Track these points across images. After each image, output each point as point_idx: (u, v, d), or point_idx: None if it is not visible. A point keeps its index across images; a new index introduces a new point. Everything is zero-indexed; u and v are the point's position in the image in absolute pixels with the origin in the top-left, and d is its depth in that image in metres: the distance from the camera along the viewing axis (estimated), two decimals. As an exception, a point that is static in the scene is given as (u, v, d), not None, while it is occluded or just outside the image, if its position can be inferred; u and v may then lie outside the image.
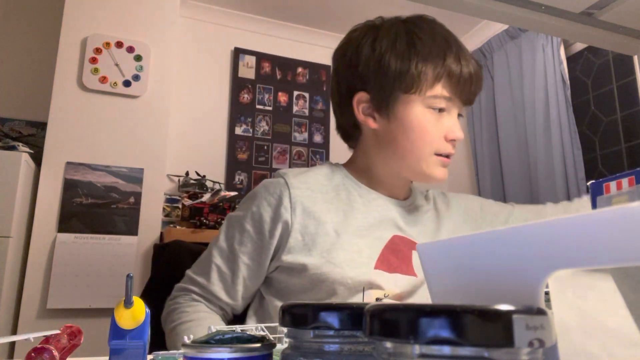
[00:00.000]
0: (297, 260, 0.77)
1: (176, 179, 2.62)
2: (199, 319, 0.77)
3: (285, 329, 0.30)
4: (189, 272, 0.85)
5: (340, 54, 0.87)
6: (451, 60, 0.78)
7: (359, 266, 0.77)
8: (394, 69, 0.78)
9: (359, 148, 0.89)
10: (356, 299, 0.77)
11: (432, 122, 0.79)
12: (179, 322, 0.78)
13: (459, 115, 0.83)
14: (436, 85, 0.78)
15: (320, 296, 0.77)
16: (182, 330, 0.76)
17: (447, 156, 0.82)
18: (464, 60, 0.79)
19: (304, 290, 0.78)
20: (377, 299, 0.77)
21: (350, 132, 0.89)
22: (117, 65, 2.24)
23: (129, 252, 2.13)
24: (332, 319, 0.27)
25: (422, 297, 0.81)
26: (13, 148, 2.03)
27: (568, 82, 2.50)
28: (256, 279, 0.81)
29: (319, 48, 3.18)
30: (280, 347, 0.39)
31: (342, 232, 0.78)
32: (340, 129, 0.91)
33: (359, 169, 0.88)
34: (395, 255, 0.81)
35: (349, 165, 0.90)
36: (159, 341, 0.80)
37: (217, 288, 0.80)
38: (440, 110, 0.80)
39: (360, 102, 0.82)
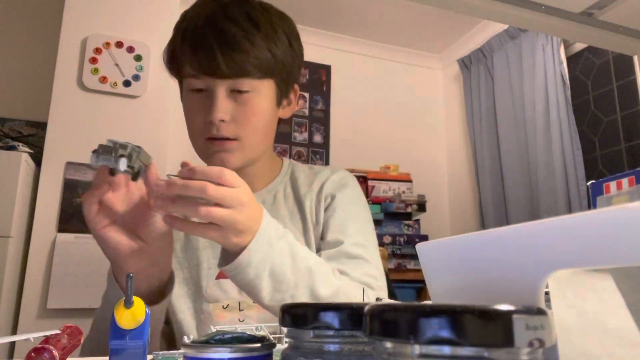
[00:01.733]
0: None
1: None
2: None
3: (285, 329, 0.30)
4: None
5: None
6: (188, 37, 0.71)
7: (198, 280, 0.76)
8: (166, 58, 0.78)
9: None
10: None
11: (196, 105, 0.73)
12: None
13: (239, 91, 0.71)
14: (185, 65, 0.72)
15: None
16: None
17: (217, 139, 0.71)
18: (200, 36, 0.69)
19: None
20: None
21: None
22: (117, 65, 2.24)
23: (129, 252, 2.13)
24: (332, 319, 0.27)
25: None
26: (13, 148, 2.03)
27: (568, 82, 2.50)
28: None
29: (318, 48, 3.18)
30: (280, 347, 0.39)
31: (184, 248, 0.78)
32: None
33: None
34: None
35: None
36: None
37: None
38: (199, 90, 0.73)
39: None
